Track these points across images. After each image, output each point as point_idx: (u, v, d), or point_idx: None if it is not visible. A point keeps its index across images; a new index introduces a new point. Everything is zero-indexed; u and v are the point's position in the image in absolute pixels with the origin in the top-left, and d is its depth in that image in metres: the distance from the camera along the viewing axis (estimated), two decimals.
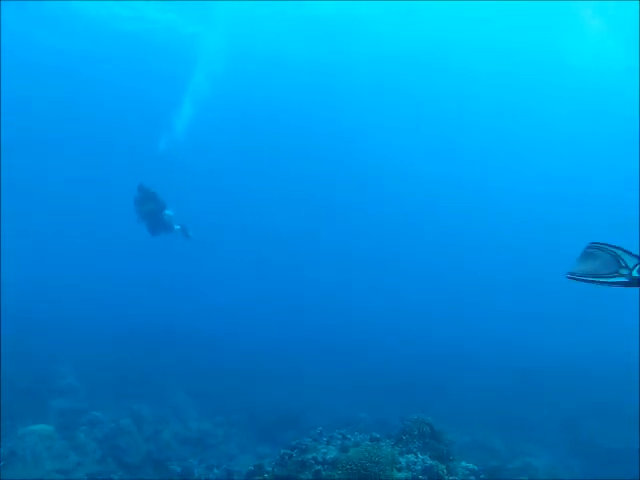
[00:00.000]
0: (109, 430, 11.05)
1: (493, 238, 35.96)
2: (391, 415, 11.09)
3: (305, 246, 37.69)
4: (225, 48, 20.20)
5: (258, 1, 18.27)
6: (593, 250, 2.67)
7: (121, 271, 32.36)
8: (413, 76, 23.81)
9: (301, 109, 27.60)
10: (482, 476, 6.23)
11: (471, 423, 13.15)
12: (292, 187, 34.96)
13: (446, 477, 5.84)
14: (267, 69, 23.63)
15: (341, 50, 21.99)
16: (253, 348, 19.55)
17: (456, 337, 22.32)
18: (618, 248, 2.63)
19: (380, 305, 29.05)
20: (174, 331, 20.48)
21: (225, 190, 35.86)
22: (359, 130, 29.69)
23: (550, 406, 14.31)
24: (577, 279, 2.63)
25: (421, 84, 24.58)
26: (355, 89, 25.38)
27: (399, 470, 5.84)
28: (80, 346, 16.44)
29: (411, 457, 6.19)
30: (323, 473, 5.90)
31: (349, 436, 6.68)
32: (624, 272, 2.55)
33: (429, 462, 6.02)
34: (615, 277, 2.57)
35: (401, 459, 6.10)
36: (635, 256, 2.61)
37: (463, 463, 6.39)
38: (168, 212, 10.18)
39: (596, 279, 2.58)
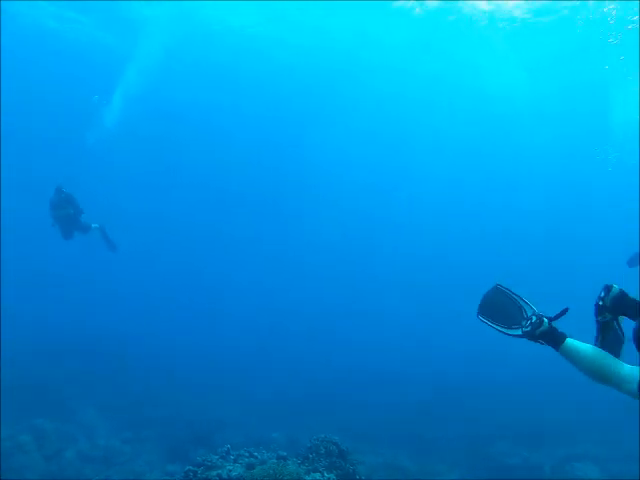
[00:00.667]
0: (3, 449, 10.20)
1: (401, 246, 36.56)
2: (306, 434, 11.06)
3: (219, 246, 36.51)
4: (160, 43, 19.85)
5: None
6: (501, 296, 2.97)
7: (19, 268, 29.46)
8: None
9: (229, 108, 27.17)
10: None
11: (385, 442, 13.36)
12: (223, 185, 34.22)
13: None
14: (197, 68, 23.29)
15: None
16: (167, 356, 18.67)
17: (379, 352, 22.24)
18: (521, 299, 2.93)
19: (306, 318, 28.41)
20: (81, 336, 19.03)
21: (153, 186, 34.58)
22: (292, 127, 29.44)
23: (466, 423, 14.63)
24: (486, 323, 2.97)
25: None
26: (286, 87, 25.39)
27: None
28: None
29: (317, 476, 6.25)
30: None
31: (256, 454, 6.64)
32: (525, 323, 2.83)
33: None
34: (515, 329, 2.88)
35: (307, 477, 6.14)
36: (531, 308, 2.88)
37: None
38: (84, 217, 9.96)
39: (503, 330, 2.92)
